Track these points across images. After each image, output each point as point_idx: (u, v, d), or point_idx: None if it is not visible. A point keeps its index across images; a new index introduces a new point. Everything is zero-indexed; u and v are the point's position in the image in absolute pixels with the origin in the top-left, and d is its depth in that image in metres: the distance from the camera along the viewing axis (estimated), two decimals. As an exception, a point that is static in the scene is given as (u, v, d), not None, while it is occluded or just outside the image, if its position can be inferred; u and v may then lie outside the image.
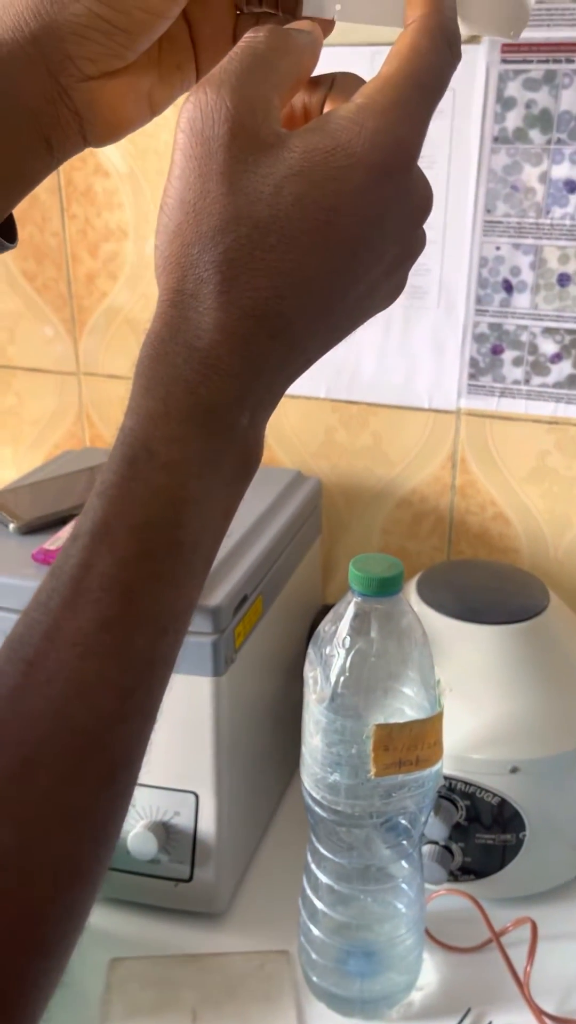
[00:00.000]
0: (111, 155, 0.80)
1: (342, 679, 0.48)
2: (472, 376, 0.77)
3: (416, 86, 0.29)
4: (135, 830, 0.62)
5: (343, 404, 0.82)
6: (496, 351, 0.75)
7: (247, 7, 0.35)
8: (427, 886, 0.61)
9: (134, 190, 0.81)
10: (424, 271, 0.74)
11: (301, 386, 0.84)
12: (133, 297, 0.85)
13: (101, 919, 0.64)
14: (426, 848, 0.62)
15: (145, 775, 0.63)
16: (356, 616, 0.49)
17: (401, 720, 0.48)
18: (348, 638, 0.49)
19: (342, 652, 0.48)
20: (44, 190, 0.84)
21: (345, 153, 0.28)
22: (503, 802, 0.60)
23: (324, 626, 0.50)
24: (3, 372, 0.93)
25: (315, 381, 0.82)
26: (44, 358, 0.91)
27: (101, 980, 0.60)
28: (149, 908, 0.65)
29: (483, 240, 0.72)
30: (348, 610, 0.49)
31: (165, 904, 0.65)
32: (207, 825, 0.63)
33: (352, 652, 0.48)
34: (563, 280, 0.72)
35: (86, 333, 0.88)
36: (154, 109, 0.36)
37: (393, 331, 0.78)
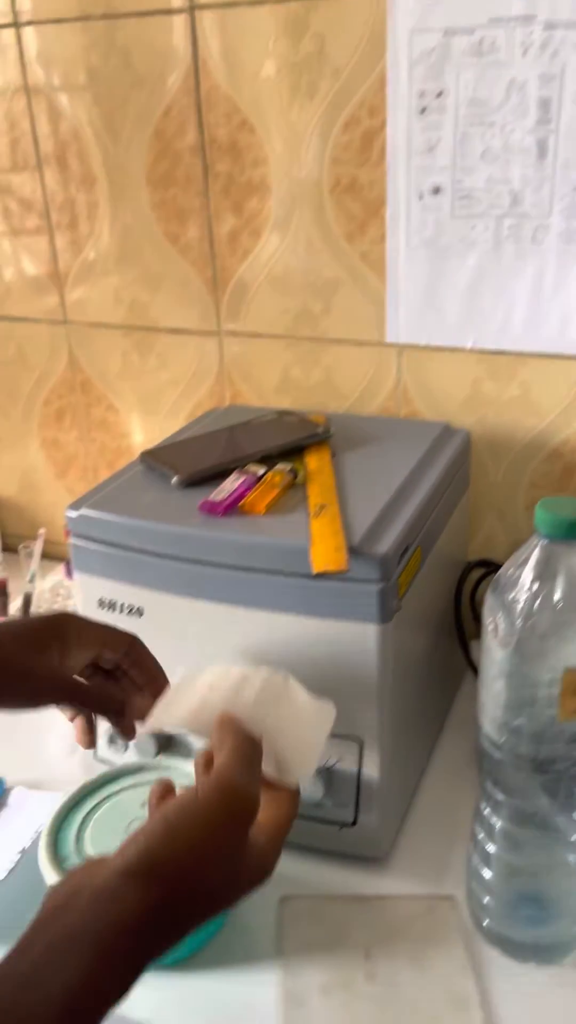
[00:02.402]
0: (254, 110, 0.80)
1: (528, 624, 0.48)
2: (631, 321, 0.74)
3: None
4: (302, 773, 0.63)
5: (490, 355, 0.81)
6: None
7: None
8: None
9: (279, 146, 0.81)
10: (582, 212, 0.72)
11: (447, 337, 0.83)
12: (277, 253, 0.85)
13: (267, 859, 0.66)
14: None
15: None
16: (541, 560, 0.48)
17: (589, 665, 0.47)
18: (535, 581, 0.48)
19: (527, 596, 0.48)
20: (188, 149, 0.84)
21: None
22: None
23: (505, 571, 0.50)
24: (146, 334, 0.95)
25: (462, 331, 0.80)
26: (187, 319, 0.92)
27: (272, 917, 0.62)
28: (314, 851, 0.66)
29: None
30: (533, 554, 0.48)
31: (330, 847, 0.66)
32: (370, 771, 0.64)
33: (538, 597, 0.48)
34: None
35: (228, 292, 0.89)
36: None
37: (547, 277, 0.75)
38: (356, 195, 0.80)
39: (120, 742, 0.71)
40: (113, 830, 0.61)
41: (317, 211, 0.82)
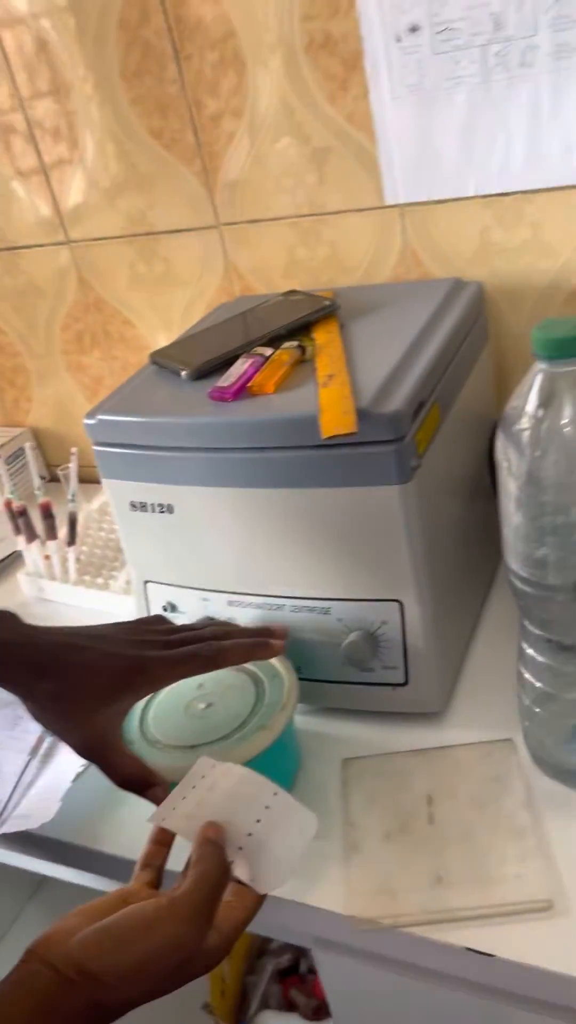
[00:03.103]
0: (214, -21, 0.76)
1: (537, 450, 0.47)
2: None
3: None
4: (348, 640, 0.65)
5: (495, 199, 0.77)
6: None
7: None
8: None
9: (244, 12, 0.77)
10: (569, 23, 0.67)
11: (446, 188, 0.80)
12: (262, 130, 0.82)
13: (328, 727, 0.69)
14: None
15: (349, 590, 0.66)
16: (544, 384, 0.47)
17: (606, 485, 0.46)
18: (539, 408, 0.47)
19: (534, 424, 0.47)
20: (154, 34, 0.81)
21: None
22: None
23: (511, 404, 0.49)
24: (148, 240, 0.94)
25: (462, 179, 0.77)
26: (184, 217, 0.91)
27: (337, 778, 0.64)
28: (372, 714, 0.68)
29: None
30: (535, 380, 0.47)
31: (386, 708, 0.68)
32: (414, 630, 0.64)
33: (545, 423, 0.47)
34: None
35: (220, 180, 0.87)
36: None
37: (543, 103, 0.71)
38: (332, 51, 0.76)
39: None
40: (171, 711, 0.64)
41: (295, 75, 0.78)
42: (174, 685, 0.64)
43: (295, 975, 1.08)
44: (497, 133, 0.74)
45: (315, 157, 0.82)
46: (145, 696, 0.59)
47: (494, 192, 0.77)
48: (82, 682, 0.54)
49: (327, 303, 0.73)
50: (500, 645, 0.72)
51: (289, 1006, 1.06)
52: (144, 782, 0.55)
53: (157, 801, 0.53)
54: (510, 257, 0.79)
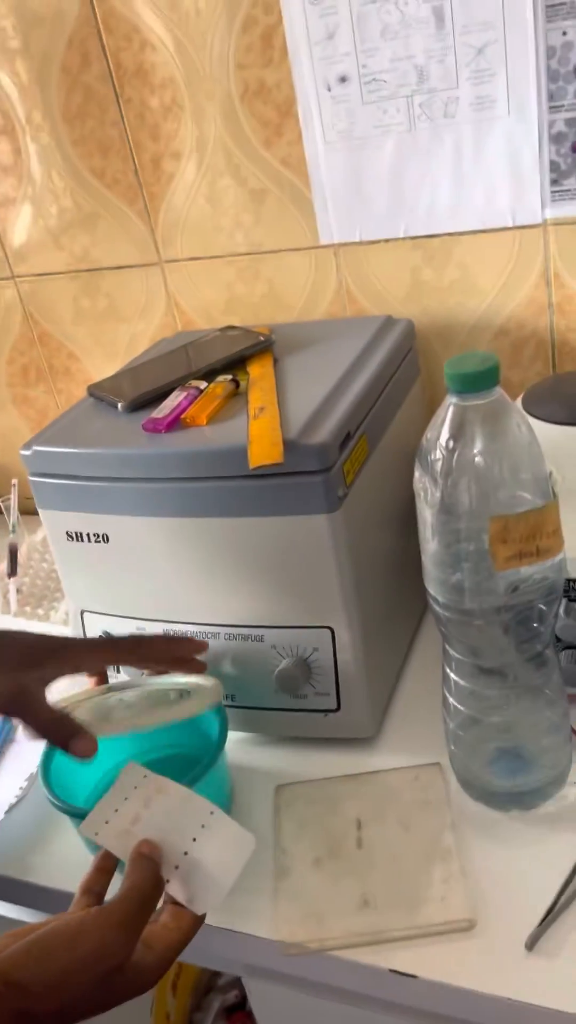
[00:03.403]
0: (154, 27, 0.79)
1: (449, 479, 0.49)
2: (554, 182, 0.73)
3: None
4: (280, 666, 0.66)
5: (424, 240, 0.80)
6: (577, 148, 0.71)
7: None
8: (572, 690, 0.63)
9: (183, 60, 0.80)
10: (488, 76, 0.71)
11: (378, 229, 0.83)
12: (200, 172, 0.85)
13: (262, 754, 0.69)
14: (564, 652, 0.63)
15: (281, 617, 0.67)
16: (455, 416, 0.49)
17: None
18: (450, 440, 0.49)
19: (445, 454, 0.49)
20: (96, 79, 0.84)
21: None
22: None
23: (426, 435, 0.51)
24: (91, 276, 0.96)
25: (393, 221, 0.80)
26: (126, 254, 0.93)
27: (269, 804, 0.65)
28: (305, 740, 0.69)
29: (547, 27, 0.68)
30: (447, 413, 0.49)
31: (319, 734, 0.69)
32: (346, 656, 0.66)
33: (456, 453, 0.49)
34: None
35: (160, 219, 0.89)
36: None
37: (465, 151, 0.75)
38: (266, 98, 0.79)
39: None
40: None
41: (232, 121, 0.81)
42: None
43: (241, 1011, 1.07)
44: (424, 178, 0.77)
45: (253, 198, 0.84)
46: (68, 674, 0.59)
47: (423, 234, 0.80)
48: (11, 646, 0.57)
49: (262, 338, 0.75)
50: (431, 672, 0.73)
51: (235, 1043, 1.05)
52: (66, 731, 0.56)
53: (79, 752, 0.55)
54: (440, 296, 0.82)
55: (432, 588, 0.54)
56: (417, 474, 0.53)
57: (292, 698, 0.68)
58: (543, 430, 0.64)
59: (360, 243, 0.83)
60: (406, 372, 0.78)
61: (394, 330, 0.78)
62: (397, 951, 0.53)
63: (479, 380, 0.48)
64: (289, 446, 0.59)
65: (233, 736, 0.70)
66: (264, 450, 0.59)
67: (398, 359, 0.76)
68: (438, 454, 0.49)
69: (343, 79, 0.75)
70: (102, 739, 0.57)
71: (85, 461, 0.66)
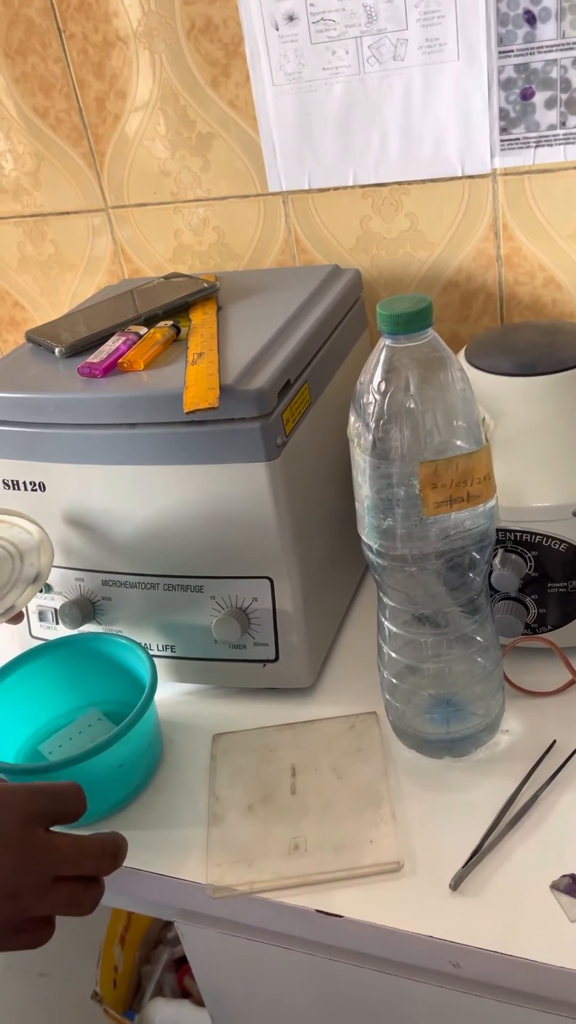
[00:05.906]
0: (96, -42, 0.76)
1: (381, 423, 0.49)
2: (503, 130, 0.72)
3: None
4: (217, 618, 0.65)
5: (373, 188, 0.79)
6: (526, 96, 0.70)
7: None
8: (504, 640, 0.63)
9: (126, -6, 0.77)
10: (438, 18, 0.69)
11: (327, 177, 0.81)
12: (147, 112, 0.82)
13: (201, 706, 0.69)
14: (499, 603, 0.63)
15: (221, 568, 0.66)
16: (388, 359, 0.48)
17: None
18: (382, 382, 0.48)
19: (378, 397, 0.48)
20: (37, 12, 0.81)
21: None
22: (570, 547, 0.60)
23: (360, 378, 0.50)
24: (36, 222, 0.93)
25: (342, 168, 0.78)
26: (72, 199, 0.90)
27: (207, 753, 0.65)
28: (244, 691, 0.69)
29: (497, -32, 0.66)
30: (380, 355, 0.49)
31: (257, 684, 0.68)
32: (285, 606, 0.65)
33: (388, 396, 0.48)
34: (591, -3, 0.65)
35: (107, 163, 0.87)
36: None
37: (414, 97, 0.73)
38: (213, 35, 0.77)
39: (51, 618, 0.73)
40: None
41: (178, 60, 0.79)
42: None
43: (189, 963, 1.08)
44: (373, 125, 0.76)
45: (200, 142, 0.82)
46: None
47: (372, 183, 0.78)
48: None
49: (206, 285, 0.74)
50: (373, 624, 0.74)
51: (184, 994, 1.06)
52: None
53: None
54: (389, 246, 0.81)
55: (365, 535, 0.53)
56: (352, 419, 0.52)
57: (231, 648, 0.67)
58: (485, 381, 0.64)
59: (309, 191, 0.81)
60: (352, 323, 0.77)
61: (340, 280, 0.77)
62: (326, 893, 0.53)
63: (411, 321, 0.47)
64: (226, 392, 0.58)
65: (172, 687, 0.70)
66: (199, 394, 0.58)
67: (344, 309, 0.75)
68: (370, 398, 0.49)
69: (291, 18, 0.73)
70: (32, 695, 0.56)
71: (19, 406, 0.65)
